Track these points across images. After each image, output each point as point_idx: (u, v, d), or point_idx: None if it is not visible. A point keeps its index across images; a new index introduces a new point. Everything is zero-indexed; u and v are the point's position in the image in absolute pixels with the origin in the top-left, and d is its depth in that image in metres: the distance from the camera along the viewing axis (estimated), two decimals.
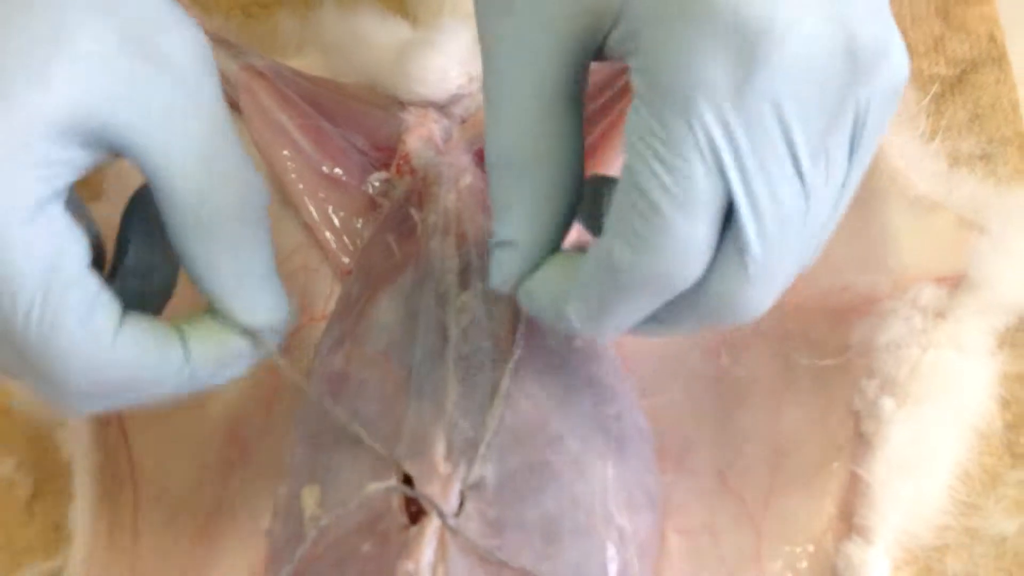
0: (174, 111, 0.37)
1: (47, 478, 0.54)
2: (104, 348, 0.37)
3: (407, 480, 0.40)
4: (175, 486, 0.52)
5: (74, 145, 0.36)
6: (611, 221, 0.34)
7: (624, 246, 0.34)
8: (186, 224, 0.38)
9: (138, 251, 0.41)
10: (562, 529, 0.39)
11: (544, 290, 0.38)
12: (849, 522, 0.45)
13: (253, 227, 0.39)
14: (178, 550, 0.50)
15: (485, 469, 0.39)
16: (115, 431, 0.53)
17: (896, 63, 0.34)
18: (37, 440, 0.55)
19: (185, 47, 0.38)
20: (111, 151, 0.38)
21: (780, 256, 0.34)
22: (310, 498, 0.41)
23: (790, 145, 0.33)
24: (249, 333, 0.40)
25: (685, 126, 0.32)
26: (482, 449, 0.39)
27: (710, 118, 0.32)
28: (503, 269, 0.38)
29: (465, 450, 0.40)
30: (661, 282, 0.34)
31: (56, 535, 0.52)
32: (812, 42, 0.32)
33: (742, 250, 0.34)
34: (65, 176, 0.37)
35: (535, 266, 0.38)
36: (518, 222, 0.38)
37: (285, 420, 0.48)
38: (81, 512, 0.51)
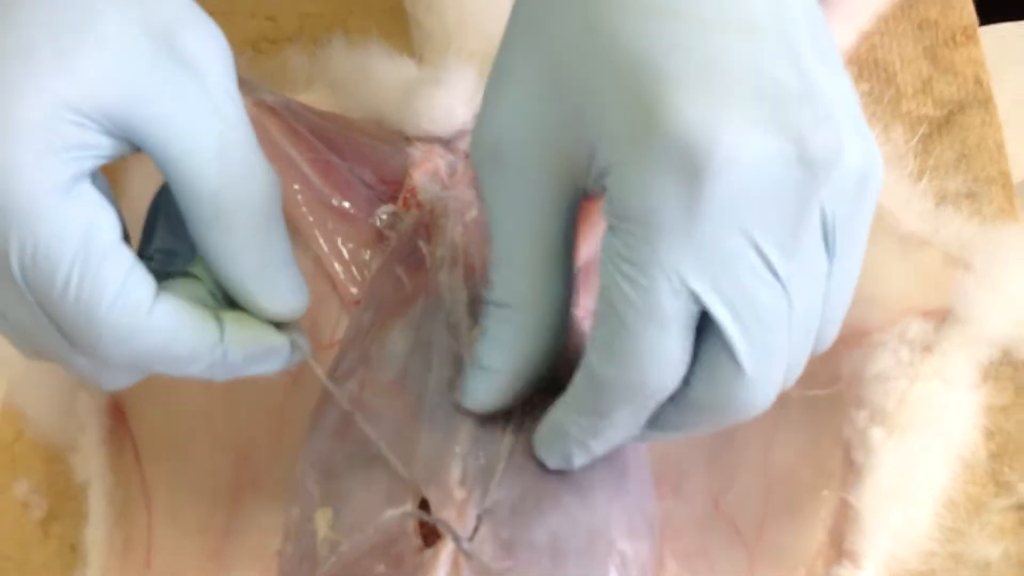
0: (193, 108, 0.38)
1: (62, 500, 0.55)
2: (140, 318, 0.38)
3: (423, 505, 0.41)
4: (187, 509, 0.52)
5: (98, 132, 0.37)
6: (591, 338, 0.36)
7: (603, 360, 0.36)
8: (204, 217, 0.39)
9: (163, 237, 0.42)
10: (568, 551, 0.40)
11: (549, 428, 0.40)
12: (839, 547, 0.45)
13: (269, 219, 0.40)
14: (190, 570, 0.51)
15: (499, 494, 0.40)
16: (129, 455, 0.54)
17: (850, 163, 0.35)
18: (52, 463, 0.55)
19: (207, 46, 0.39)
20: (131, 143, 0.39)
21: (772, 353, 0.36)
22: (323, 521, 0.42)
23: (758, 252, 0.34)
24: (284, 335, 0.41)
25: (648, 250, 0.34)
26: (497, 476, 0.40)
27: (669, 242, 0.34)
28: (478, 392, 0.41)
29: (478, 477, 0.41)
30: (640, 391, 0.36)
31: (71, 555, 0.53)
32: (760, 158, 0.33)
33: (733, 356, 0.35)
34: (91, 160, 0.38)
35: (510, 391, 0.41)
36: (500, 354, 0.40)
37: (295, 444, 0.49)
38: (95, 533, 0.52)
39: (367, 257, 0.55)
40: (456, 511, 0.40)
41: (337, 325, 0.57)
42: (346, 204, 0.56)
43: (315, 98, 0.63)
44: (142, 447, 0.54)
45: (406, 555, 0.40)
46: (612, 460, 0.43)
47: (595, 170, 0.36)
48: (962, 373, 0.48)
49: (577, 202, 0.38)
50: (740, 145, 0.33)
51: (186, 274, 0.42)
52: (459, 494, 0.41)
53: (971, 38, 0.59)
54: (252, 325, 0.41)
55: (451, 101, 0.58)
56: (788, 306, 0.35)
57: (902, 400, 0.47)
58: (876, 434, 0.47)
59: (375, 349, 0.46)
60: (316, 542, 0.42)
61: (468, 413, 0.42)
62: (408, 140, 0.58)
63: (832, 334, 0.39)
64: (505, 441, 0.42)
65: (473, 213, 0.51)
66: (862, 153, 0.36)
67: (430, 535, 0.40)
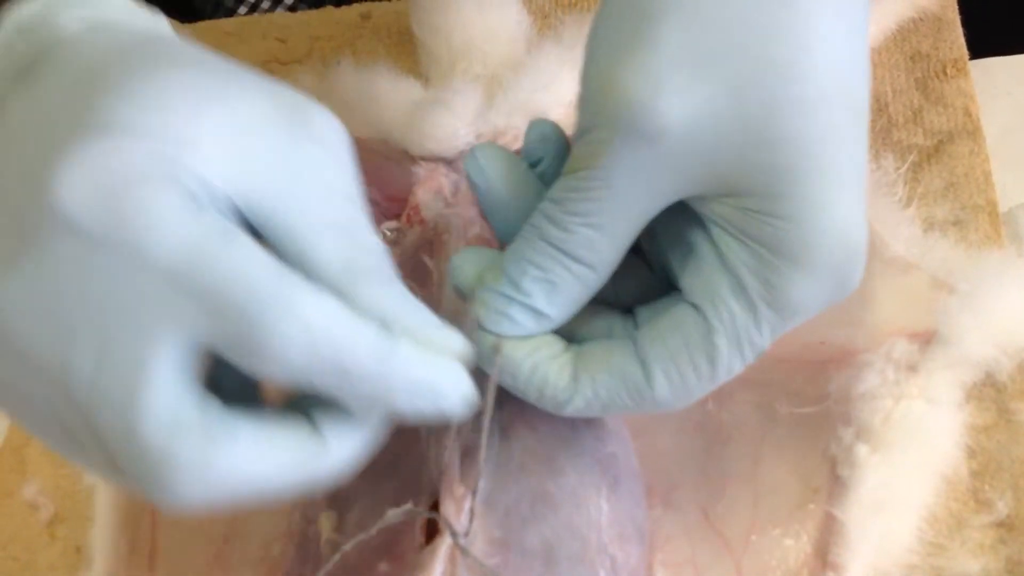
0: (322, 182, 0.36)
1: (69, 503, 0.56)
2: (223, 453, 0.34)
3: (435, 507, 0.41)
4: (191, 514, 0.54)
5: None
6: (664, 363, 0.39)
7: (665, 383, 0.39)
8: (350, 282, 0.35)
9: None
10: (560, 556, 0.41)
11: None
12: (824, 559, 0.46)
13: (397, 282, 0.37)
14: (193, 574, 0.52)
15: (493, 494, 0.41)
16: None
17: None
18: (60, 466, 0.57)
19: (332, 124, 0.38)
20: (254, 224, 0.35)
21: None
22: (327, 523, 0.43)
23: None
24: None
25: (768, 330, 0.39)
26: (479, 474, 0.41)
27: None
28: (516, 326, 0.40)
29: (475, 477, 0.41)
30: None
31: (77, 557, 0.54)
32: None
33: None
34: None
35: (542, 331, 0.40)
36: (561, 305, 0.39)
37: None
38: (101, 536, 0.53)
39: None
40: (455, 506, 0.41)
41: None
42: None
43: None
44: None
45: (408, 552, 0.41)
46: (606, 469, 0.44)
47: (737, 209, 0.38)
48: (946, 393, 0.49)
49: None
50: None
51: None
52: (459, 490, 0.41)
53: (961, 71, 0.60)
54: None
55: (455, 122, 0.59)
56: None
57: (887, 418, 0.48)
58: (862, 450, 0.47)
59: None
60: (319, 544, 0.43)
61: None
62: (413, 159, 0.60)
63: None
64: (491, 442, 0.42)
65: (475, 230, 0.52)
66: None
67: (433, 533, 0.41)
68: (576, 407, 0.40)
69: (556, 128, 0.43)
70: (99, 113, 0.33)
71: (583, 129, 0.38)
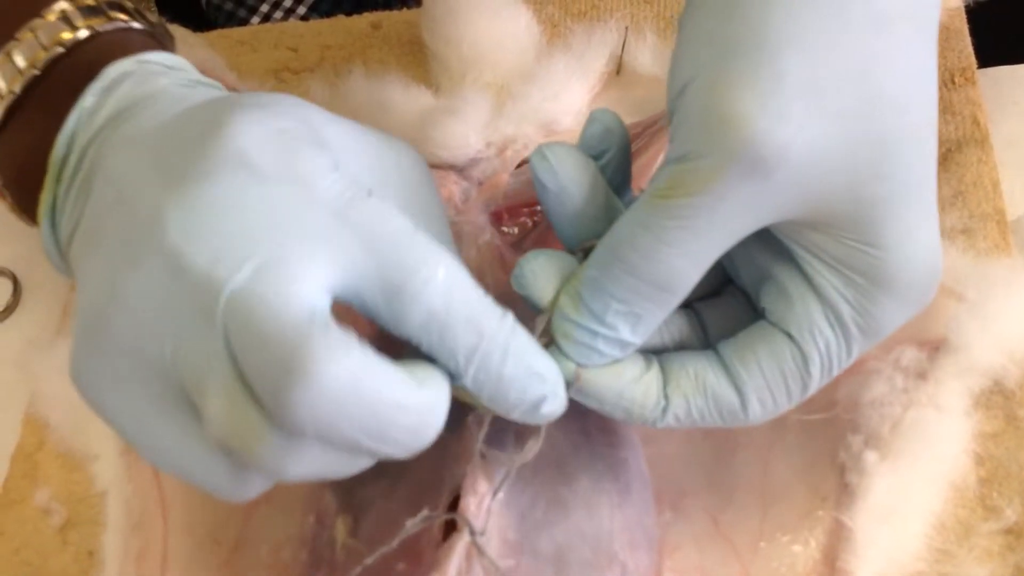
0: (431, 201, 0.43)
1: (81, 508, 0.56)
2: (345, 357, 0.34)
3: (454, 505, 0.41)
4: (202, 520, 0.53)
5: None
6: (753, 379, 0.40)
7: (759, 408, 0.40)
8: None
9: None
10: (571, 561, 0.41)
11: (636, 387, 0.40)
12: (832, 566, 0.46)
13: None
14: None
15: (509, 497, 0.42)
16: (147, 466, 0.55)
17: None
18: (73, 472, 0.57)
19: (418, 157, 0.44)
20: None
21: None
22: (342, 527, 0.43)
23: None
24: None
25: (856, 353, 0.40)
26: (508, 475, 0.41)
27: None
28: (604, 357, 0.39)
29: (495, 478, 0.42)
30: None
31: (89, 561, 0.54)
32: None
33: None
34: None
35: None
36: (645, 332, 0.39)
37: None
38: (113, 540, 0.54)
39: None
40: (476, 504, 0.41)
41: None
42: None
43: None
44: None
45: (426, 551, 0.41)
46: (618, 475, 0.44)
47: (821, 240, 0.38)
48: (954, 401, 0.49)
49: None
50: None
51: None
52: (481, 487, 0.41)
53: (969, 80, 0.60)
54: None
55: (466, 130, 0.60)
56: None
57: (896, 425, 0.48)
58: (870, 457, 0.48)
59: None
60: (335, 548, 0.43)
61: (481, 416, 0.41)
62: None
63: None
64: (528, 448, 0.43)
65: (485, 237, 0.52)
66: None
67: (451, 530, 0.41)
68: (666, 424, 0.41)
69: (619, 120, 0.42)
70: (259, 101, 0.39)
71: (682, 153, 0.36)
